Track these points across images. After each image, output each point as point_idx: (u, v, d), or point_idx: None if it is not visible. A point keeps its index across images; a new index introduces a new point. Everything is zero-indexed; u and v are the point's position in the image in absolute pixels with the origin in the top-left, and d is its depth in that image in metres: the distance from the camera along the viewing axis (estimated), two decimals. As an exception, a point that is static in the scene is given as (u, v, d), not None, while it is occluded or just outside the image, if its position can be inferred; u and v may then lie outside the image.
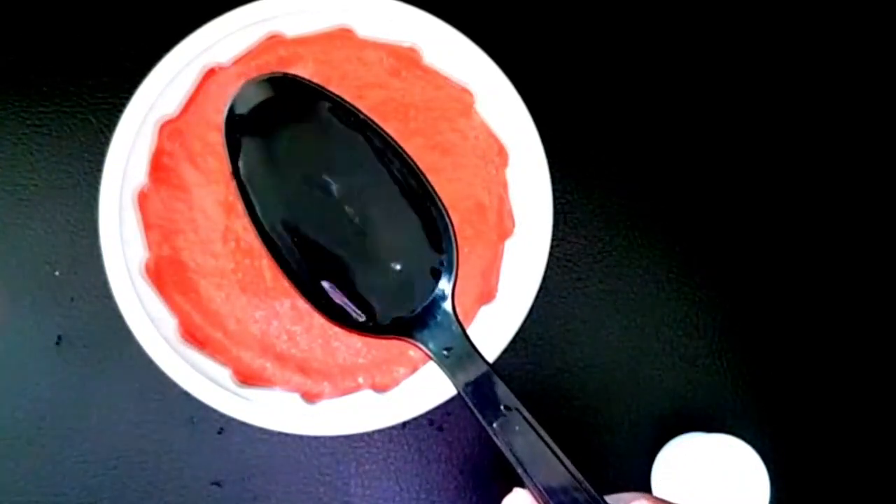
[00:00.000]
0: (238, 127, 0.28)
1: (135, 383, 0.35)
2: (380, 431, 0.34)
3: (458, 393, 0.26)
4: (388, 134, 0.28)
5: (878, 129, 0.38)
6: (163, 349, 0.31)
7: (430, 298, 0.28)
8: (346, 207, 0.28)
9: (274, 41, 0.33)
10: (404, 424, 0.35)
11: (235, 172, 0.28)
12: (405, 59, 0.34)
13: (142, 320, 0.31)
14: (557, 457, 0.25)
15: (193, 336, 0.32)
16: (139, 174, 0.32)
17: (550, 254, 0.33)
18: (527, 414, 0.25)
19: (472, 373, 0.26)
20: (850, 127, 0.38)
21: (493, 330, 0.32)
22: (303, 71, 0.33)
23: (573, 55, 0.38)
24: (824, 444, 0.37)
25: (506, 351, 0.32)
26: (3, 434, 0.35)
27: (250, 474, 0.35)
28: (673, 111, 0.38)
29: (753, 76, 0.38)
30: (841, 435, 0.37)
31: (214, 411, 0.31)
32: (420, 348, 0.27)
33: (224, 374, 0.32)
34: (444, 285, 0.28)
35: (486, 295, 0.33)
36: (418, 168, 0.28)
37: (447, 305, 0.27)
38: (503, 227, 0.34)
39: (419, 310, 0.28)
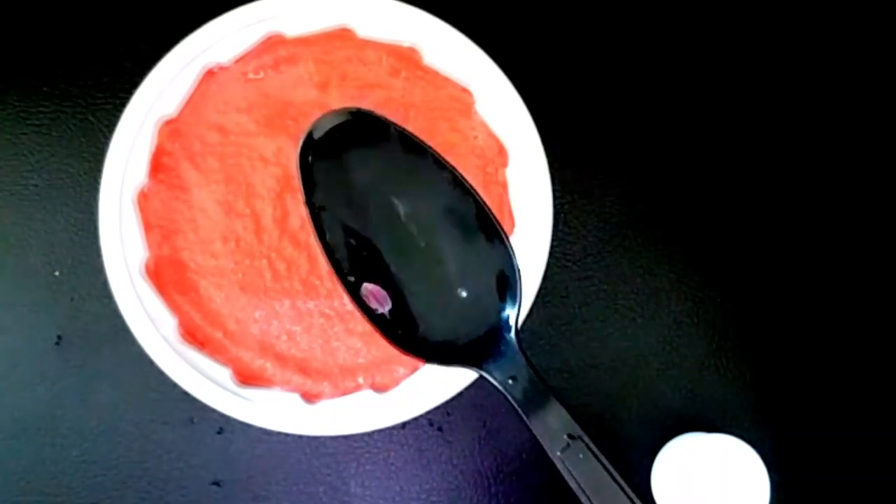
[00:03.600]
0: (313, 152, 0.30)
1: (135, 383, 0.35)
2: (380, 431, 0.34)
3: (524, 421, 0.27)
4: (455, 168, 0.30)
5: (878, 128, 0.38)
6: (163, 349, 0.31)
7: (496, 328, 0.29)
8: (416, 236, 0.30)
9: (274, 41, 0.33)
10: (404, 424, 0.35)
11: (308, 195, 0.30)
12: (405, 59, 0.34)
13: (142, 320, 0.31)
14: (620, 485, 0.26)
15: (193, 336, 0.32)
16: (139, 174, 0.32)
17: (550, 254, 0.33)
18: (590, 443, 0.27)
19: (537, 401, 0.27)
20: (850, 127, 0.38)
21: (493, 330, 0.32)
22: (303, 70, 0.33)
23: (573, 55, 0.38)
24: (824, 444, 0.36)
25: (506, 351, 0.32)
26: (3, 434, 0.35)
27: (250, 474, 0.35)
28: (673, 111, 0.38)
29: (753, 76, 0.38)
30: (841, 435, 0.37)
31: (214, 411, 0.31)
32: (486, 378, 0.28)
33: (224, 374, 0.32)
34: (509, 315, 0.29)
35: (486, 295, 0.33)
36: (484, 202, 0.30)
37: (512, 336, 0.29)
38: (503, 227, 0.34)
39: (484, 338, 0.29)
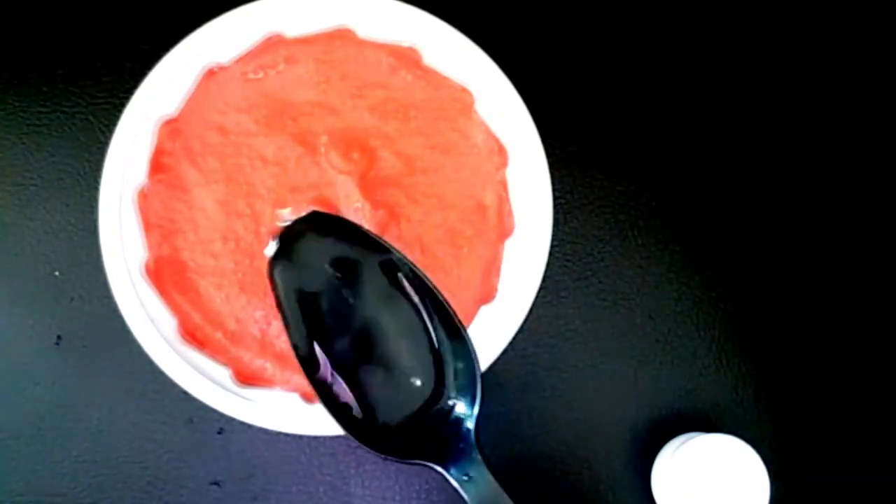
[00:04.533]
0: (282, 253, 0.31)
1: (135, 383, 0.35)
2: (380, 431, 0.34)
3: None
4: (414, 264, 0.30)
5: (878, 128, 0.38)
6: (163, 349, 0.31)
7: (454, 426, 0.29)
8: (371, 327, 0.30)
9: (274, 41, 0.33)
10: (404, 424, 0.35)
11: (275, 290, 0.30)
12: (405, 59, 0.34)
13: (142, 320, 0.31)
14: None
15: (193, 336, 0.32)
16: (139, 174, 0.32)
17: (550, 254, 0.33)
18: None
19: (490, 499, 0.28)
20: (850, 127, 0.38)
21: (493, 330, 0.32)
22: (303, 70, 0.33)
23: (573, 55, 0.38)
24: (824, 444, 0.36)
25: (506, 351, 0.32)
26: (3, 434, 0.35)
27: (250, 474, 0.35)
28: (673, 111, 0.38)
29: (753, 76, 0.38)
30: (841, 435, 0.37)
31: (214, 411, 0.31)
32: (442, 474, 0.29)
33: (224, 374, 0.32)
34: (468, 413, 0.29)
35: (486, 295, 0.33)
36: (442, 295, 0.30)
37: (470, 435, 0.29)
38: (503, 227, 0.34)
39: (441, 433, 0.29)
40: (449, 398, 0.30)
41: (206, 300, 0.32)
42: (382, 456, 0.29)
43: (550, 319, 0.36)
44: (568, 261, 0.37)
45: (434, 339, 0.30)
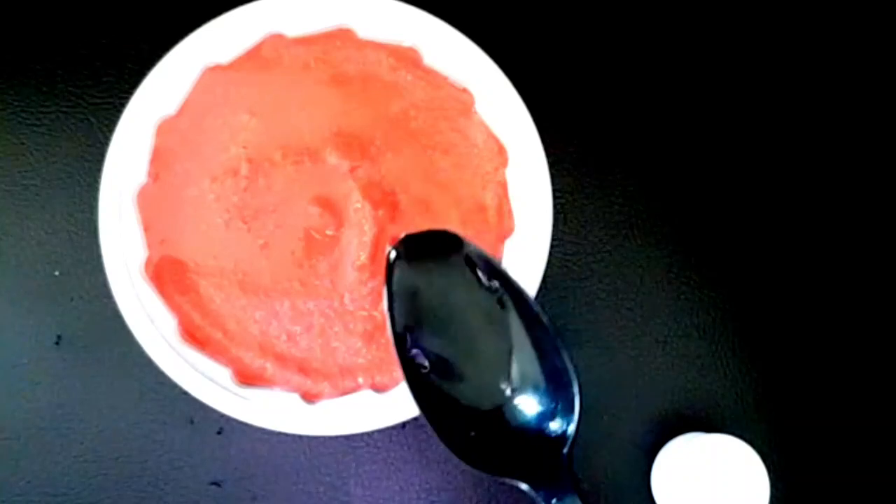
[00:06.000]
0: (397, 265, 0.30)
1: (135, 383, 0.35)
2: (380, 431, 0.34)
3: None
4: (522, 288, 0.30)
5: (878, 128, 0.38)
6: (163, 349, 0.31)
7: (549, 446, 0.28)
8: (472, 337, 0.30)
9: (274, 41, 0.33)
10: (404, 424, 0.35)
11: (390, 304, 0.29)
12: (405, 59, 0.34)
13: (142, 320, 0.31)
14: None
15: (193, 336, 0.32)
16: (139, 174, 0.32)
17: (550, 254, 0.33)
18: None
19: None
20: (850, 127, 0.38)
21: (494, 330, 0.32)
22: (303, 70, 0.33)
23: (573, 55, 0.38)
24: (824, 444, 0.36)
25: (506, 351, 0.32)
26: (3, 434, 0.35)
27: (250, 474, 0.35)
28: (673, 111, 0.38)
29: (753, 76, 0.38)
30: (841, 435, 0.37)
31: (214, 411, 0.31)
32: (531, 495, 0.27)
33: (224, 374, 0.32)
34: (563, 430, 0.28)
35: (486, 295, 0.33)
36: (552, 323, 0.29)
37: (565, 460, 0.28)
38: (503, 227, 0.34)
39: (533, 450, 0.28)
40: (546, 419, 0.28)
41: (206, 300, 0.32)
42: (473, 468, 0.28)
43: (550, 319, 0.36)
44: (568, 261, 0.37)
45: (534, 353, 0.29)
